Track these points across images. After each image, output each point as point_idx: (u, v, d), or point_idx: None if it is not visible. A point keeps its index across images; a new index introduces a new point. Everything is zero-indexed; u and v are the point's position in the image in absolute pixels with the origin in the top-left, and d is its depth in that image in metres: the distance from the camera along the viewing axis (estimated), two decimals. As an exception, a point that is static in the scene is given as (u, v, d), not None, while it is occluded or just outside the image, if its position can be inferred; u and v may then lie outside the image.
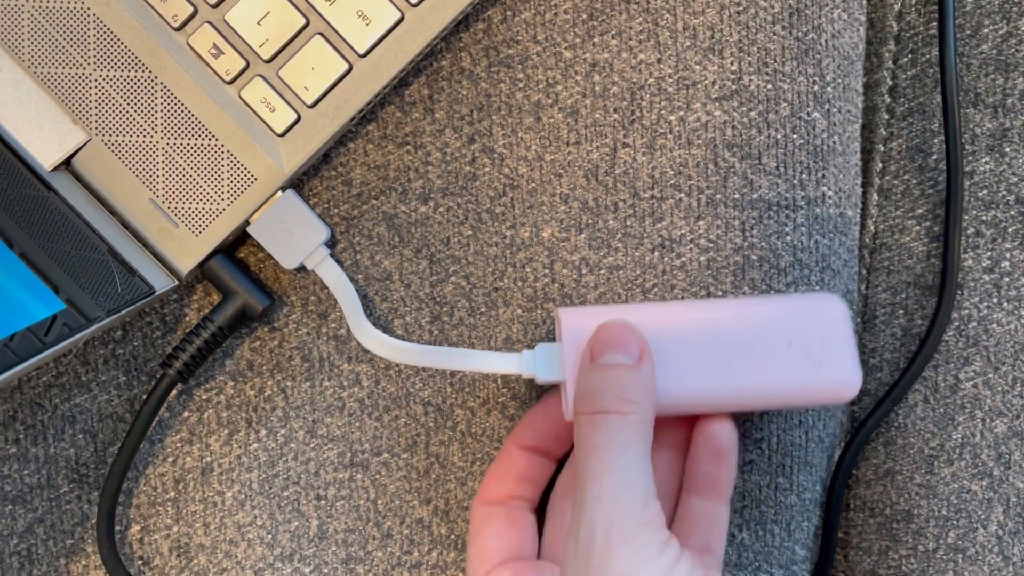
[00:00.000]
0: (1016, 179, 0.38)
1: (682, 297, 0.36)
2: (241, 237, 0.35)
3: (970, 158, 0.38)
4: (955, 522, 0.39)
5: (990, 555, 0.39)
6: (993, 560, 0.39)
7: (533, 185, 0.35)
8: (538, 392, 0.36)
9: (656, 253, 0.36)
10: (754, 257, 0.37)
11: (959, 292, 0.39)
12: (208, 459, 0.36)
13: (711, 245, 0.36)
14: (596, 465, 0.29)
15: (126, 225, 0.33)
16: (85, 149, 0.32)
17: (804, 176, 0.37)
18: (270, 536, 0.36)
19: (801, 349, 0.33)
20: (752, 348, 0.33)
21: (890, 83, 0.40)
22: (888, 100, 0.40)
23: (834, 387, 0.34)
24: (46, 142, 0.32)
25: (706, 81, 0.36)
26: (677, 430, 0.35)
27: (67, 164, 0.33)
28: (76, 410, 0.35)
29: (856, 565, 0.41)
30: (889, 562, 0.40)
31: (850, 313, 0.35)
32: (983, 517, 0.39)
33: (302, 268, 0.34)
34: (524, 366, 0.33)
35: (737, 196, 0.36)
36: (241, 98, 0.32)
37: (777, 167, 0.37)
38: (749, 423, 0.38)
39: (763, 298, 0.36)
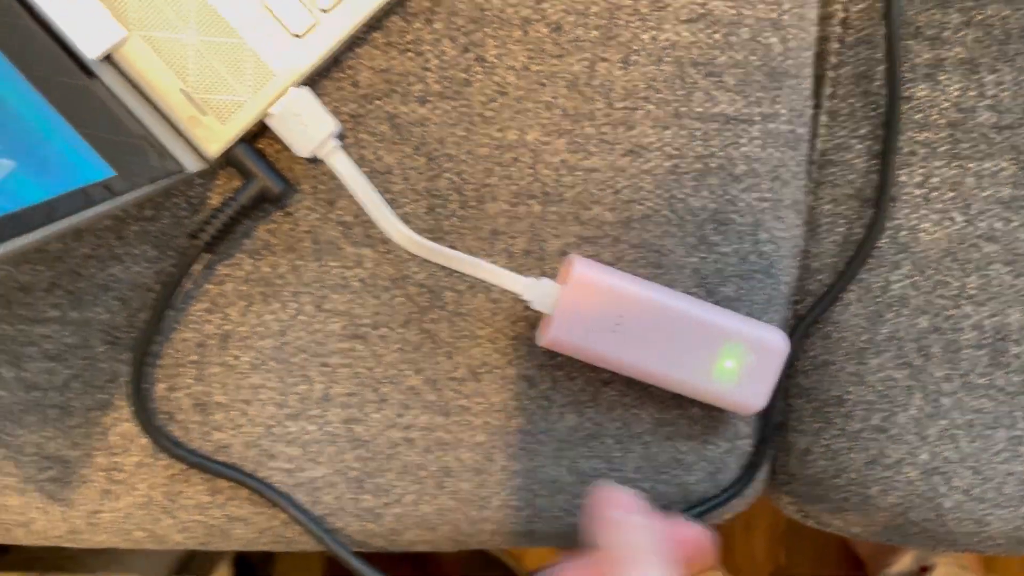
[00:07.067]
0: (948, 104, 0.43)
1: (649, 198, 0.41)
2: (259, 130, 0.39)
3: (908, 85, 0.43)
4: (880, 406, 0.45)
5: (909, 435, 0.45)
6: (911, 439, 0.45)
7: (520, 92, 0.40)
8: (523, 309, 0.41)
9: (627, 158, 0.41)
10: (713, 164, 0.42)
11: (893, 204, 0.44)
12: (227, 327, 0.41)
13: (676, 152, 0.41)
14: None
15: (160, 113, 0.37)
16: (124, 43, 0.37)
17: (760, 95, 0.42)
18: (280, 397, 0.41)
19: (733, 366, 0.39)
20: (697, 346, 0.39)
21: (842, 15, 0.44)
22: (839, 31, 0.44)
23: (738, 405, 0.40)
24: (90, 34, 0.36)
25: (676, 5, 0.40)
26: None
27: (107, 58, 0.37)
28: (111, 279, 0.40)
29: (792, 444, 0.47)
30: (821, 441, 0.46)
31: (787, 353, 0.40)
32: (904, 402, 0.44)
33: (314, 159, 0.39)
34: (526, 290, 0.38)
35: (700, 109, 0.41)
36: (265, 3, 0.37)
37: (736, 85, 0.41)
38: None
39: (731, 314, 0.40)
